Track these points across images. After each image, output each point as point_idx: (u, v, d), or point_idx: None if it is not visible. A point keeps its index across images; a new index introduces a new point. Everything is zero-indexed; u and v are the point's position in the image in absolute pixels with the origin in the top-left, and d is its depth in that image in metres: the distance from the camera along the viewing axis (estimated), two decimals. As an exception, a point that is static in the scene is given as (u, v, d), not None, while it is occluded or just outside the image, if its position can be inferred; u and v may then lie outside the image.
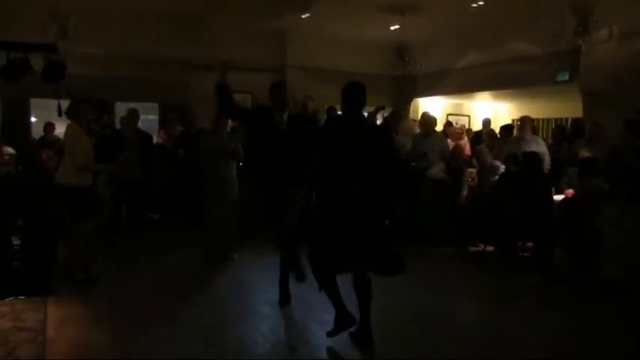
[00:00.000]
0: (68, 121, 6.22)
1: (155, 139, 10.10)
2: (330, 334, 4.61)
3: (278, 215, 5.46)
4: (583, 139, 8.70)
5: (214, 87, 5.67)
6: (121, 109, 10.99)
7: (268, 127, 5.48)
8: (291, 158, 5.30)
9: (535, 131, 9.57)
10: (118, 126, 9.73)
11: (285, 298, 5.67)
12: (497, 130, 10.36)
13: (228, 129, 7.80)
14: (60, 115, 6.75)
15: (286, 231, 5.48)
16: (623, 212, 6.36)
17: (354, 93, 4.57)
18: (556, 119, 13.15)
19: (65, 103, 6.44)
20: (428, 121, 9.33)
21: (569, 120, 11.58)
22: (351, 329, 4.62)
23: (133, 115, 9.00)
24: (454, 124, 13.26)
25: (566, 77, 10.42)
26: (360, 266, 4.48)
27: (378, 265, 4.44)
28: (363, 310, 4.58)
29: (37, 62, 6.49)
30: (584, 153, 7.84)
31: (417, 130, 9.72)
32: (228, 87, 5.65)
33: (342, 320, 4.56)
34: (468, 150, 10.10)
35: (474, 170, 9.04)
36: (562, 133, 9.61)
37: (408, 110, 13.80)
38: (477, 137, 11.22)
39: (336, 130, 4.61)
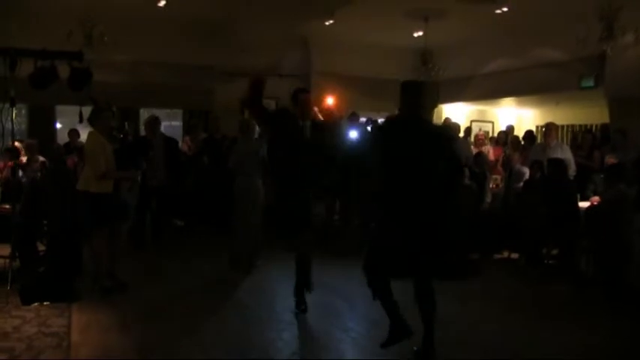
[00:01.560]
0: (90, 128, 6.25)
1: (180, 145, 10.14)
2: (384, 345, 4.37)
3: (293, 227, 5.38)
4: (608, 146, 8.57)
5: (250, 78, 5.45)
6: (145, 115, 11.05)
7: (290, 133, 5.35)
8: (312, 169, 5.20)
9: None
10: (142, 132, 9.77)
11: (299, 304, 5.58)
12: (521, 137, 10.26)
13: (256, 135, 7.80)
14: (81, 121, 6.78)
15: (301, 243, 5.41)
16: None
17: (415, 93, 4.43)
18: (581, 126, 12.97)
19: (87, 110, 6.47)
20: (450, 127, 9.23)
21: (594, 126, 11.44)
22: (415, 348, 4.39)
23: (152, 122, 8.98)
24: (478, 130, 13.15)
25: (592, 83, 10.29)
26: (423, 273, 4.30)
27: (445, 270, 4.28)
28: (427, 323, 4.34)
29: (64, 69, 6.53)
30: (610, 159, 7.72)
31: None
32: (264, 84, 5.42)
33: (398, 331, 4.32)
34: (491, 156, 10.00)
35: (497, 177, 8.93)
36: (593, 140, 9.46)
37: (431, 117, 13.69)
38: (503, 137, 11.12)
39: (397, 133, 4.37)
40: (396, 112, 7.39)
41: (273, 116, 5.64)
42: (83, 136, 9.57)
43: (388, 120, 4.58)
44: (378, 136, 4.63)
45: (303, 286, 5.60)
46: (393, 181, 4.27)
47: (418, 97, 4.42)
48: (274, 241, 7.87)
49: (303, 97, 5.56)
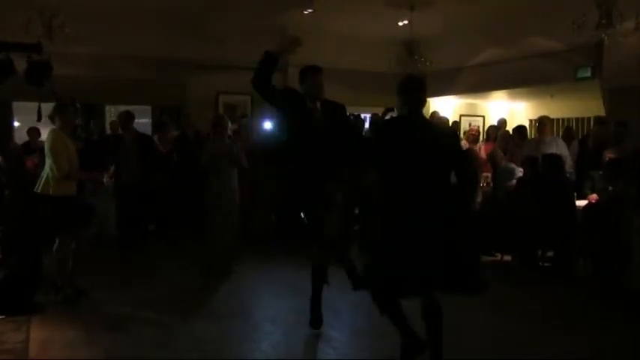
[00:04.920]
0: (51, 126, 6.17)
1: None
2: None
3: (314, 223, 5.02)
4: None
5: (264, 53, 5.36)
6: (111, 112, 10.97)
7: (301, 115, 5.13)
8: (330, 154, 4.99)
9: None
10: (108, 130, 9.69)
11: (316, 320, 5.35)
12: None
13: (230, 132, 7.77)
14: (39, 119, 6.68)
15: (327, 242, 5.06)
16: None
17: (417, 88, 4.35)
18: (577, 119, 13.07)
19: (47, 107, 6.38)
20: (438, 122, 9.25)
21: (592, 119, 11.50)
22: None
23: (125, 117, 8.93)
24: (468, 125, 13.21)
25: (588, 74, 10.35)
26: (430, 287, 4.16)
27: (454, 283, 4.15)
28: (435, 342, 4.18)
29: (21, 63, 6.44)
30: (609, 155, 7.77)
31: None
32: (277, 61, 5.33)
33: (412, 346, 4.21)
34: (483, 153, 10.03)
35: (488, 175, 8.98)
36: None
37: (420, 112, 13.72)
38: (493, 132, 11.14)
39: (398, 132, 4.24)
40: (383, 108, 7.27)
41: (283, 97, 5.41)
42: (45, 135, 9.48)
43: (390, 119, 4.44)
44: (380, 136, 4.47)
45: (320, 299, 5.36)
46: (396, 184, 4.14)
47: (421, 92, 4.35)
48: (251, 245, 7.95)
49: (315, 79, 5.35)
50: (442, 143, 4.22)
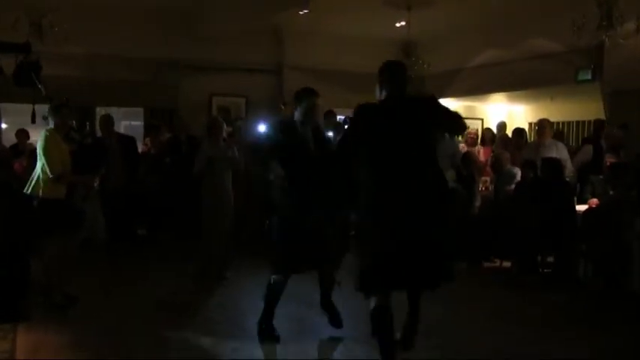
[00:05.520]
0: (44, 127, 6.13)
1: (140, 147, 10.05)
2: None
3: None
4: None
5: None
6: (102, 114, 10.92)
7: (294, 145, 4.95)
8: (325, 179, 4.87)
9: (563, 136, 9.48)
10: (98, 133, 9.66)
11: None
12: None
13: (225, 135, 7.75)
14: (33, 121, 6.65)
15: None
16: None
17: (398, 72, 4.38)
18: (577, 122, 13.09)
19: (41, 109, 6.36)
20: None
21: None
22: None
23: (105, 120, 8.93)
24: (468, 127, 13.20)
25: (589, 76, 10.38)
26: (418, 285, 4.23)
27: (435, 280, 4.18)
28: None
29: (9, 63, 6.41)
30: (610, 159, 7.78)
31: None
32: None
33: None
34: (482, 156, 10.04)
35: (487, 179, 8.97)
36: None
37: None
38: (489, 135, 11.16)
39: (380, 118, 4.23)
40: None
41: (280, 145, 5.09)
42: (33, 137, 9.45)
43: (367, 105, 4.38)
44: (362, 123, 4.39)
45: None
46: (383, 175, 4.11)
47: (402, 77, 4.38)
48: (244, 250, 7.93)
49: (309, 99, 5.13)
50: (422, 120, 4.20)
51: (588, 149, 8.87)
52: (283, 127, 5.17)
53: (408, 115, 4.18)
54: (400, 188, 4.04)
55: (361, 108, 4.40)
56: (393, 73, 4.37)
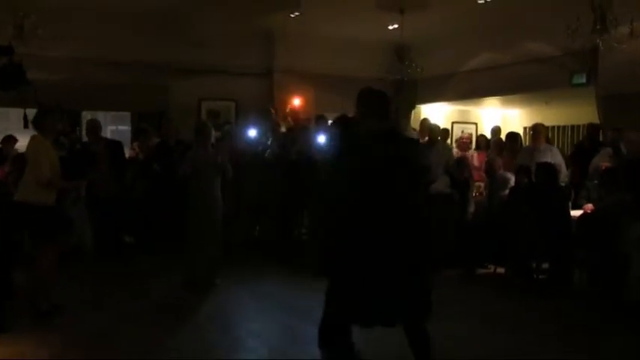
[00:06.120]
0: (32, 133, 6.15)
1: (128, 153, 10.04)
2: None
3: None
4: (607, 149, 8.68)
5: None
6: (88, 119, 10.92)
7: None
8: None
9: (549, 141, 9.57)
10: (84, 138, 9.67)
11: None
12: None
13: (213, 140, 7.77)
14: (26, 126, 6.67)
15: None
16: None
17: (382, 101, 4.28)
18: (572, 126, 13.18)
19: (31, 113, 6.37)
20: (428, 129, 9.31)
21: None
22: None
23: (92, 126, 8.94)
24: (461, 132, 13.29)
25: (583, 80, 10.45)
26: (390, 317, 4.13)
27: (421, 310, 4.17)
28: None
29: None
30: (604, 163, 7.84)
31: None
32: None
33: None
34: (476, 161, 10.10)
35: (481, 184, 9.03)
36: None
37: (409, 119, 13.79)
38: (483, 141, 11.24)
39: (364, 149, 4.18)
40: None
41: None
42: (21, 142, 9.42)
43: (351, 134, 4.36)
44: (346, 152, 4.39)
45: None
46: (366, 206, 4.06)
47: (387, 106, 4.30)
48: (235, 257, 7.96)
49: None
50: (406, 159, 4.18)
51: (607, 152, 8.62)
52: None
53: (393, 158, 4.12)
54: (387, 221, 4.01)
55: (348, 140, 4.39)
56: (380, 104, 4.27)
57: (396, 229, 4.00)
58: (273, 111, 10.28)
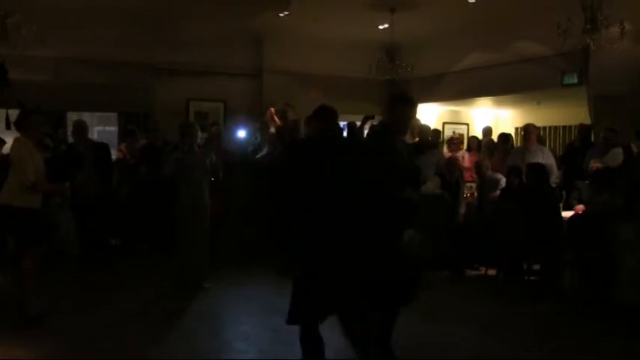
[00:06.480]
0: (16, 135, 6.13)
1: (115, 154, 10.03)
2: None
3: None
4: (594, 149, 8.76)
5: None
6: (74, 120, 10.89)
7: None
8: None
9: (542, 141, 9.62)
10: (70, 139, 9.63)
11: None
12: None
13: (199, 141, 7.77)
14: (8, 127, 6.66)
15: None
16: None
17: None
18: (563, 127, 13.27)
19: (13, 114, 6.36)
20: (419, 129, 9.34)
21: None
22: None
23: (78, 127, 8.92)
24: (452, 133, 13.34)
25: (575, 80, 10.54)
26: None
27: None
28: None
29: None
30: (596, 164, 7.90)
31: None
32: None
33: None
34: (467, 162, 10.15)
35: (473, 185, 9.07)
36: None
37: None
38: (474, 143, 11.29)
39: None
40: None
41: None
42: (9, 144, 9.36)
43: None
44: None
45: None
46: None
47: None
48: (223, 260, 7.97)
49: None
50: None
51: (618, 153, 8.45)
52: None
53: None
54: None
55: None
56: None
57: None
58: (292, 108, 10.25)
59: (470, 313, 6.68)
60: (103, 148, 9.06)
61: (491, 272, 8.15)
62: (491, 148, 10.02)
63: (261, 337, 5.74)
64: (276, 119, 10.15)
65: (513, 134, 12.37)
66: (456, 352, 5.44)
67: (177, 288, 7.30)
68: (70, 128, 10.42)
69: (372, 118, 8.97)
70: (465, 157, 10.40)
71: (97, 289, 7.51)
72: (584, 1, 8.44)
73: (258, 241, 9.16)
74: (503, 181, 8.32)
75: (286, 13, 11.24)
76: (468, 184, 9.21)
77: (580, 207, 7.60)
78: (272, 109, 10.37)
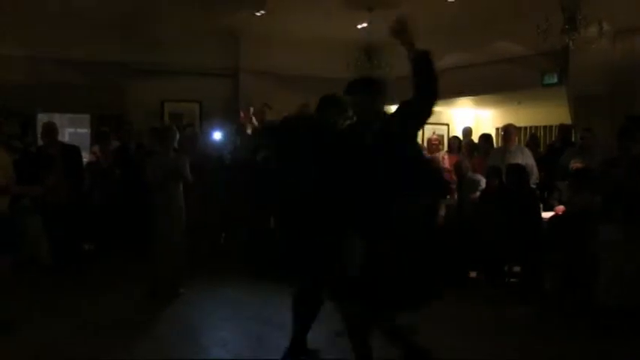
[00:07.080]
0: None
1: (88, 157, 9.99)
2: None
3: None
4: (574, 148, 8.87)
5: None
6: (44, 121, 10.83)
7: None
8: None
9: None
10: (40, 142, 9.58)
11: None
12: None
13: (175, 145, 7.72)
14: None
15: None
16: (620, 234, 6.42)
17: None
18: (544, 127, 13.39)
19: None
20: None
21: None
22: None
23: (48, 129, 8.86)
24: (432, 134, 13.40)
25: (555, 80, 10.67)
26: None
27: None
28: None
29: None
30: (576, 164, 7.99)
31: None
32: None
33: None
34: (446, 163, 10.21)
35: (452, 186, 9.14)
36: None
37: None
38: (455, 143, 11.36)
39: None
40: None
41: None
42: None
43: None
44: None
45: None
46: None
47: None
48: (199, 265, 7.97)
49: None
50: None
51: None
52: None
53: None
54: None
55: None
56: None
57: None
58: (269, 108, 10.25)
59: (449, 315, 6.71)
60: (73, 150, 9.01)
61: (472, 274, 8.22)
62: (472, 149, 10.09)
63: (238, 342, 5.75)
64: (254, 120, 10.14)
65: (494, 135, 12.44)
66: (435, 355, 5.48)
67: (152, 294, 7.27)
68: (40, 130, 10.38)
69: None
70: (445, 158, 10.44)
71: (68, 295, 7.46)
72: (563, 1, 8.56)
73: (235, 245, 9.19)
74: (483, 182, 8.36)
75: (262, 12, 11.26)
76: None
77: (560, 207, 7.67)
78: (246, 111, 10.35)
